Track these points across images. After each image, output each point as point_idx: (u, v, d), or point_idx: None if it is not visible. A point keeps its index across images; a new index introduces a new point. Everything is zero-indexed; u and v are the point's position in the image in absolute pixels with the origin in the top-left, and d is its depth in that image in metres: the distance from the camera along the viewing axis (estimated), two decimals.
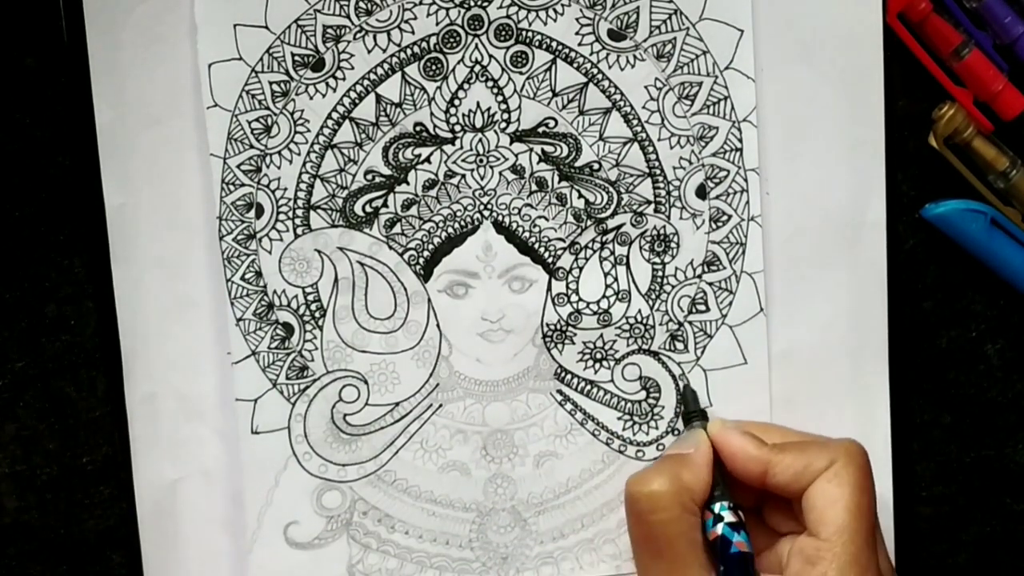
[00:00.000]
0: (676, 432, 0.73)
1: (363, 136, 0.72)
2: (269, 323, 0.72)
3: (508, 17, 0.71)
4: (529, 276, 0.72)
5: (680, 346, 0.73)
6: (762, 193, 0.72)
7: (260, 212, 0.72)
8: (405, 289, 0.73)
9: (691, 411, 0.71)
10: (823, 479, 0.64)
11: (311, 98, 0.71)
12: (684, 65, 0.71)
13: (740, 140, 0.72)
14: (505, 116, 0.72)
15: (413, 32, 0.71)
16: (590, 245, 0.72)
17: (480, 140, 0.72)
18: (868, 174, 0.72)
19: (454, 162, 0.72)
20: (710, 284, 0.72)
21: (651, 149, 0.72)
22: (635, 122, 0.72)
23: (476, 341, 0.73)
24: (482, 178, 0.72)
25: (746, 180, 0.72)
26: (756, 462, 0.66)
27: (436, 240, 0.72)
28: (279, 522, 0.73)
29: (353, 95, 0.71)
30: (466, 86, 0.71)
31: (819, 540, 0.63)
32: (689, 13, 0.71)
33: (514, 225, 0.72)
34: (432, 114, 0.72)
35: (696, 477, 0.66)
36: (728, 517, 0.66)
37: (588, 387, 0.73)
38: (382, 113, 0.72)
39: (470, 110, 0.72)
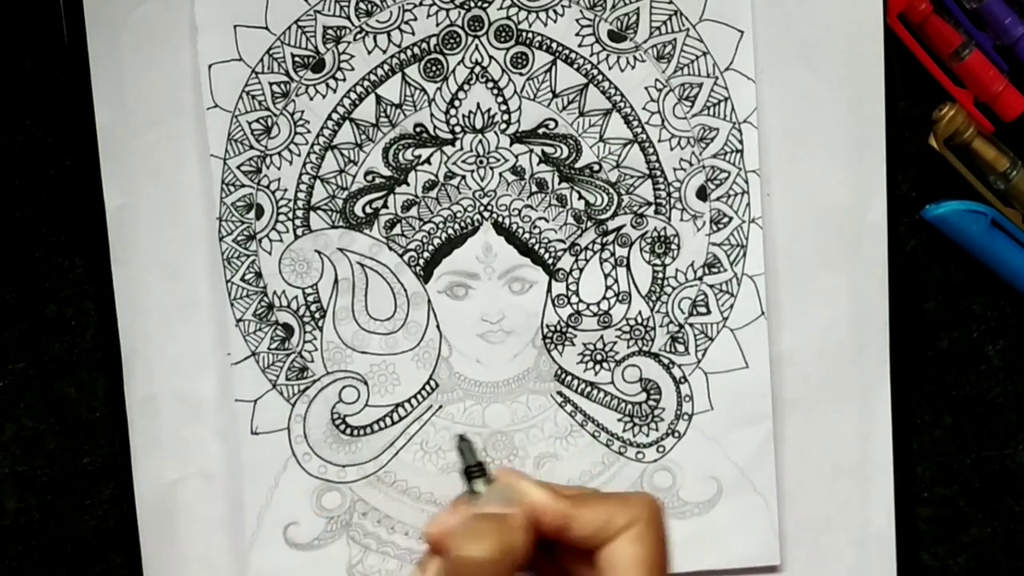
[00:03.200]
0: (676, 434, 0.73)
1: (363, 137, 0.72)
2: (269, 324, 0.72)
3: (508, 18, 0.71)
4: (529, 277, 0.72)
5: (681, 348, 0.73)
6: (763, 195, 0.72)
7: (260, 213, 0.72)
8: (405, 290, 0.73)
9: (471, 465, 0.64)
10: (624, 539, 0.61)
11: (311, 99, 0.71)
12: (684, 66, 0.71)
13: (740, 141, 0.72)
14: (505, 117, 0.71)
15: (413, 33, 0.71)
16: (590, 246, 0.72)
17: (480, 141, 0.72)
18: (869, 175, 0.72)
19: (454, 163, 0.72)
20: (711, 286, 0.72)
21: (651, 150, 0.72)
22: (635, 123, 0.72)
23: (476, 342, 0.73)
24: (482, 179, 0.72)
25: (747, 182, 0.72)
26: (558, 515, 0.62)
27: (436, 241, 0.72)
28: (279, 523, 0.73)
29: (353, 96, 0.71)
30: (466, 87, 0.71)
31: None
32: (689, 14, 0.71)
33: (514, 226, 0.72)
34: (432, 115, 0.71)
35: (521, 541, 0.61)
36: None
37: (588, 388, 0.73)
38: (382, 114, 0.72)
39: (470, 111, 0.71)
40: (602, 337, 0.73)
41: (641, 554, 0.62)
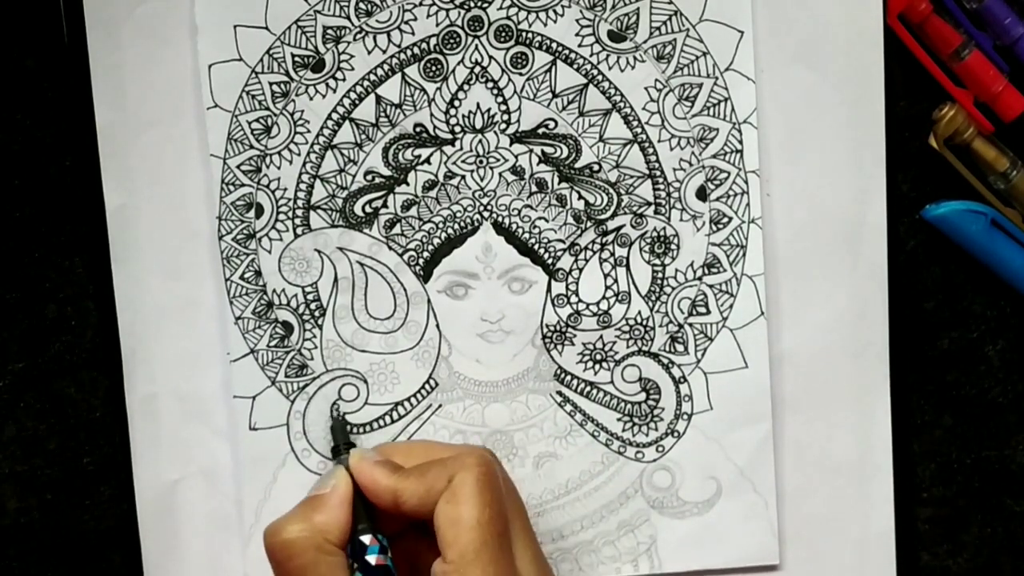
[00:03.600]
0: (675, 434, 0.73)
1: (363, 137, 0.72)
2: (268, 322, 0.72)
3: (508, 18, 0.71)
4: (529, 277, 0.72)
5: (680, 348, 0.73)
6: (762, 195, 0.72)
7: (260, 212, 0.72)
8: (405, 289, 0.73)
9: (338, 444, 0.70)
10: (442, 500, 0.63)
11: (311, 99, 0.71)
12: (684, 66, 0.71)
13: (740, 142, 0.72)
14: (505, 117, 0.72)
15: (413, 33, 0.71)
16: (590, 246, 0.72)
17: (480, 141, 0.72)
18: (869, 175, 0.72)
19: (454, 163, 0.72)
20: (710, 286, 0.72)
21: (651, 150, 0.72)
22: (635, 123, 0.72)
23: (476, 342, 0.73)
24: (482, 179, 0.72)
25: (746, 182, 0.72)
26: (386, 492, 0.64)
27: (436, 241, 0.72)
28: (277, 516, 0.73)
29: (353, 96, 0.71)
30: (466, 87, 0.71)
31: (446, 563, 0.62)
32: (689, 14, 0.71)
33: (514, 226, 0.72)
34: (432, 115, 0.72)
35: (330, 517, 0.64)
36: (369, 550, 0.64)
37: (588, 388, 0.73)
38: (382, 114, 0.72)
39: (470, 111, 0.72)
40: (602, 337, 0.73)
41: (456, 513, 0.62)
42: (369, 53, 0.71)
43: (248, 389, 0.72)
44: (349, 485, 0.65)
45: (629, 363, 0.73)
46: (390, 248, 0.72)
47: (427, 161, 0.72)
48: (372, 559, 0.64)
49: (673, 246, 0.72)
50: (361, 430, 0.73)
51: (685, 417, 0.73)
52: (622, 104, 0.72)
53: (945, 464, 0.76)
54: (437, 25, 0.71)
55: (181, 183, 0.72)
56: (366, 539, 0.64)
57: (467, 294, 0.73)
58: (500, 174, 0.72)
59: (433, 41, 0.71)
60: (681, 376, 0.73)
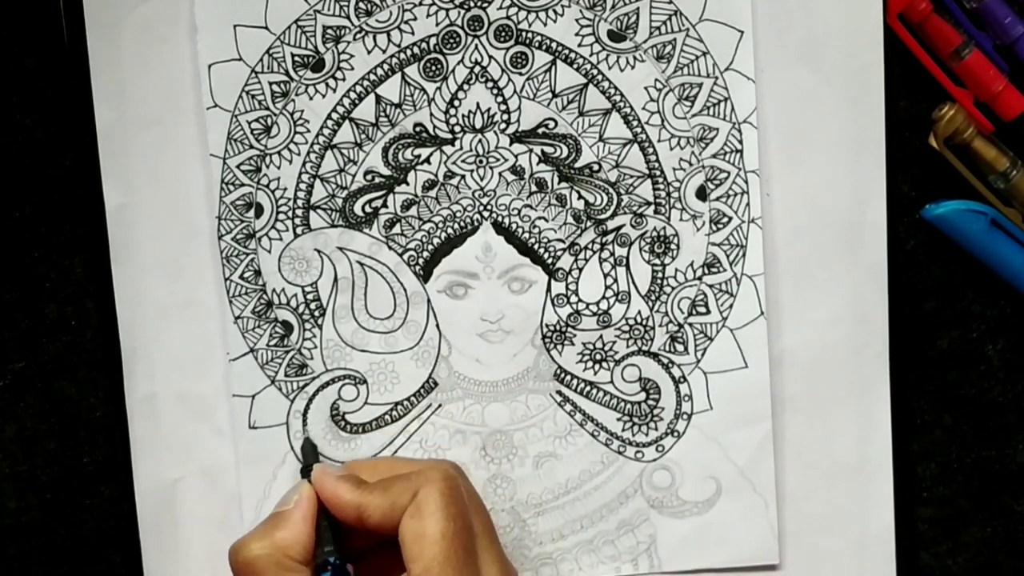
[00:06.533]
0: (675, 433, 0.73)
1: (363, 136, 0.72)
2: (268, 321, 0.72)
3: (508, 18, 0.71)
4: (529, 277, 0.73)
5: (680, 348, 0.73)
6: (762, 195, 0.72)
7: (260, 212, 0.72)
8: (404, 289, 0.73)
9: (308, 464, 0.70)
10: (407, 515, 0.63)
11: (311, 98, 0.71)
12: (684, 66, 0.71)
13: (740, 141, 0.72)
14: (505, 117, 0.72)
15: (413, 33, 0.71)
16: (590, 246, 0.72)
17: (480, 141, 0.72)
18: (868, 175, 0.72)
19: (454, 163, 0.72)
20: (710, 286, 0.72)
21: (651, 150, 0.72)
22: (635, 123, 0.72)
23: (475, 341, 0.73)
24: (482, 179, 0.72)
25: (746, 182, 0.72)
26: (349, 506, 0.65)
27: (436, 240, 0.72)
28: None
29: (353, 95, 0.71)
30: (466, 87, 0.71)
31: None
32: (689, 14, 0.71)
33: (514, 226, 0.72)
34: (432, 115, 0.72)
35: (292, 533, 0.65)
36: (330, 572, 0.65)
37: (588, 388, 0.73)
38: (382, 113, 0.72)
39: (470, 111, 0.72)
40: (601, 337, 0.73)
41: (420, 528, 0.63)
42: (369, 53, 0.71)
43: (247, 388, 0.72)
44: (313, 500, 0.66)
45: (629, 363, 0.73)
46: (390, 248, 0.72)
47: (427, 161, 0.72)
48: None
49: (673, 246, 0.72)
50: (361, 430, 0.73)
51: (685, 417, 0.73)
52: (622, 104, 0.72)
53: (945, 464, 0.76)
54: (437, 25, 0.71)
55: (181, 183, 0.72)
56: (328, 564, 0.65)
57: (467, 294, 0.73)
58: (500, 174, 0.72)
59: (433, 41, 0.71)
60: (681, 376, 0.73)
